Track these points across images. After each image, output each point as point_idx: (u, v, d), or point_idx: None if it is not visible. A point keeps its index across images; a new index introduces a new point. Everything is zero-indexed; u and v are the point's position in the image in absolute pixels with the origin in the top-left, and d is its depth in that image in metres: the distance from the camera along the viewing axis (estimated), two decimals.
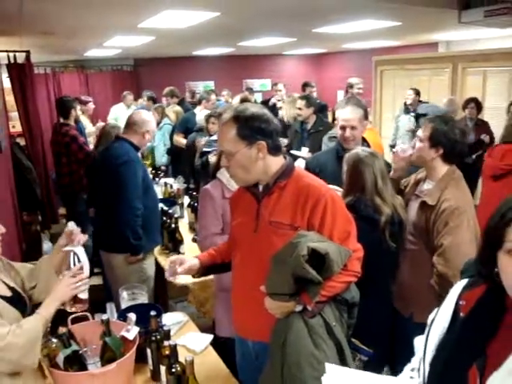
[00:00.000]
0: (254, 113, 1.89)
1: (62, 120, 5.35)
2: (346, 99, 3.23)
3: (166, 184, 5.14)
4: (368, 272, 1.95)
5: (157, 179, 5.69)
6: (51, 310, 1.81)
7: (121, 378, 1.93)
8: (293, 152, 4.79)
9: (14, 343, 1.63)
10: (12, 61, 5.21)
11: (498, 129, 6.69)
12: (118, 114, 8.17)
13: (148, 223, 3.42)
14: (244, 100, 6.12)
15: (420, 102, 6.80)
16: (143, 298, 2.65)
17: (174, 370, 1.96)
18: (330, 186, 2.08)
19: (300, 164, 3.53)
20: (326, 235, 1.83)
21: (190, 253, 3.28)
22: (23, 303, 1.86)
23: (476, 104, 6.21)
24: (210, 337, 2.53)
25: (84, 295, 1.97)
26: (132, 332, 2.02)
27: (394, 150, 2.79)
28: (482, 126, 6.20)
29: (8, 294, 1.81)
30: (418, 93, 6.93)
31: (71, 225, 2.07)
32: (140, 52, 8.75)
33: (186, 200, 4.75)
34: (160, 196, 4.78)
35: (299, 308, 1.78)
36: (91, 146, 5.63)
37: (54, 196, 5.78)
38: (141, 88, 9.64)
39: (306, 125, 5.23)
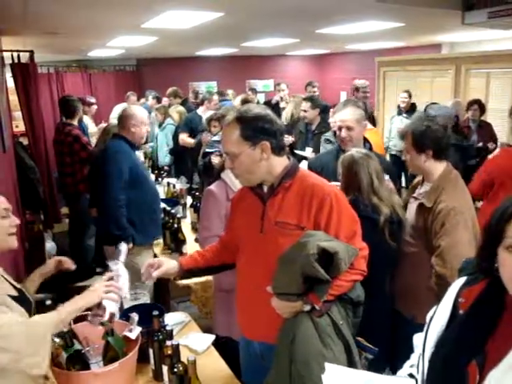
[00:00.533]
0: (257, 113, 1.89)
1: (64, 119, 5.36)
2: (344, 102, 3.29)
3: (168, 184, 5.15)
4: (368, 272, 1.96)
5: (159, 179, 5.71)
6: (70, 309, 1.75)
7: (123, 378, 1.93)
8: (297, 152, 4.80)
9: (18, 331, 1.58)
10: (16, 60, 5.22)
11: (501, 131, 6.72)
12: None
13: (140, 216, 3.52)
14: (245, 101, 6.12)
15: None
16: (145, 298, 2.66)
17: (176, 370, 1.97)
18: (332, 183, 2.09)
19: (303, 165, 3.54)
20: (333, 234, 1.84)
21: None
22: (29, 303, 1.86)
23: (479, 106, 6.19)
24: (212, 337, 2.53)
25: (111, 307, 1.90)
26: (134, 332, 2.02)
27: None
28: (485, 128, 6.19)
29: (15, 293, 1.82)
30: (410, 95, 7.07)
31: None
32: (143, 52, 8.75)
33: (189, 200, 4.76)
34: (163, 196, 4.79)
35: (307, 308, 1.78)
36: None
37: (57, 195, 5.79)
38: (144, 88, 9.64)
39: (311, 125, 5.25)
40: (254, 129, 1.87)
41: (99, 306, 1.88)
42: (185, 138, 6.05)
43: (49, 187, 5.57)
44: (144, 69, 10.62)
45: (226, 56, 10.32)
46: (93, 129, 6.96)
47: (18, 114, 6.44)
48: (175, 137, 6.42)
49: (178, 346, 2.00)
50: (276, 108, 7.01)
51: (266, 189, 1.98)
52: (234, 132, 1.88)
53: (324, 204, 1.85)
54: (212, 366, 2.29)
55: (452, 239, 2.37)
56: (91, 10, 4.04)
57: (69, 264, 2.17)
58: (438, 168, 2.56)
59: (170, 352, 2.01)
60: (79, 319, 2.05)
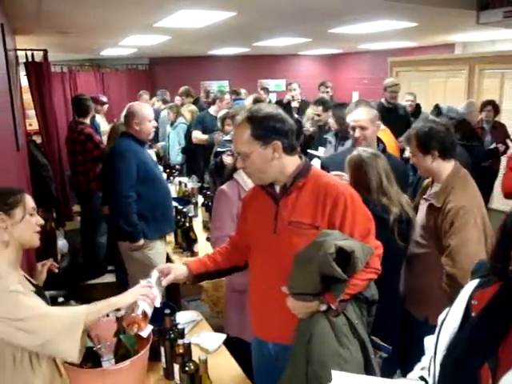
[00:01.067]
0: (268, 113, 1.89)
1: (77, 118, 5.40)
2: (356, 102, 3.29)
3: (180, 183, 5.17)
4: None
5: (171, 178, 5.73)
6: (104, 304, 1.79)
7: (134, 376, 1.94)
8: (310, 151, 4.80)
9: (53, 314, 1.64)
10: (30, 59, 5.27)
11: None
12: None
13: (152, 211, 3.58)
14: (257, 100, 6.10)
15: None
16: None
17: (187, 369, 1.97)
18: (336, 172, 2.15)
19: (315, 164, 3.54)
20: (347, 233, 1.83)
21: (204, 252, 3.28)
22: (46, 300, 1.88)
23: (493, 107, 6.12)
24: (223, 336, 2.53)
25: (145, 307, 1.85)
26: (146, 330, 2.03)
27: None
28: (499, 129, 6.13)
29: (33, 288, 1.86)
30: (415, 97, 6.81)
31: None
32: (155, 51, 8.78)
33: (200, 199, 4.77)
34: (174, 195, 4.80)
35: (323, 307, 1.77)
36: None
37: (69, 193, 5.83)
38: (156, 87, 9.66)
39: (325, 126, 5.22)
40: (265, 128, 1.86)
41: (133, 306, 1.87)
42: (198, 135, 6.04)
43: (61, 185, 5.62)
44: (156, 68, 10.65)
45: (238, 55, 10.32)
46: (105, 127, 6.98)
47: (31, 113, 6.50)
48: (187, 136, 6.43)
49: (189, 344, 2.00)
50: (287, 107, 6.98)
51: (278, 189, 1.97)
52: (244, 132, 1.87)
53: (338, 203, 1.85)
54: (223, 365, 2.29)
55: (461, 238, 2.35)
56: (103, 9, 4.06)
57: (52, 267, 2.18)
58: (447, 167, 2.54)
59: (181, 351, 2.02)
60: None
